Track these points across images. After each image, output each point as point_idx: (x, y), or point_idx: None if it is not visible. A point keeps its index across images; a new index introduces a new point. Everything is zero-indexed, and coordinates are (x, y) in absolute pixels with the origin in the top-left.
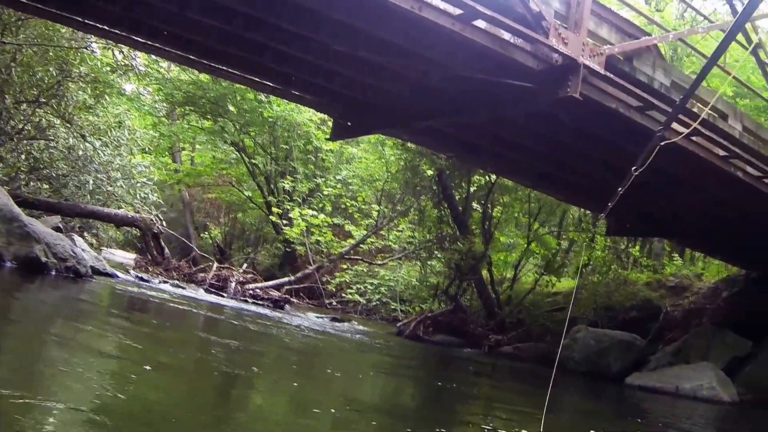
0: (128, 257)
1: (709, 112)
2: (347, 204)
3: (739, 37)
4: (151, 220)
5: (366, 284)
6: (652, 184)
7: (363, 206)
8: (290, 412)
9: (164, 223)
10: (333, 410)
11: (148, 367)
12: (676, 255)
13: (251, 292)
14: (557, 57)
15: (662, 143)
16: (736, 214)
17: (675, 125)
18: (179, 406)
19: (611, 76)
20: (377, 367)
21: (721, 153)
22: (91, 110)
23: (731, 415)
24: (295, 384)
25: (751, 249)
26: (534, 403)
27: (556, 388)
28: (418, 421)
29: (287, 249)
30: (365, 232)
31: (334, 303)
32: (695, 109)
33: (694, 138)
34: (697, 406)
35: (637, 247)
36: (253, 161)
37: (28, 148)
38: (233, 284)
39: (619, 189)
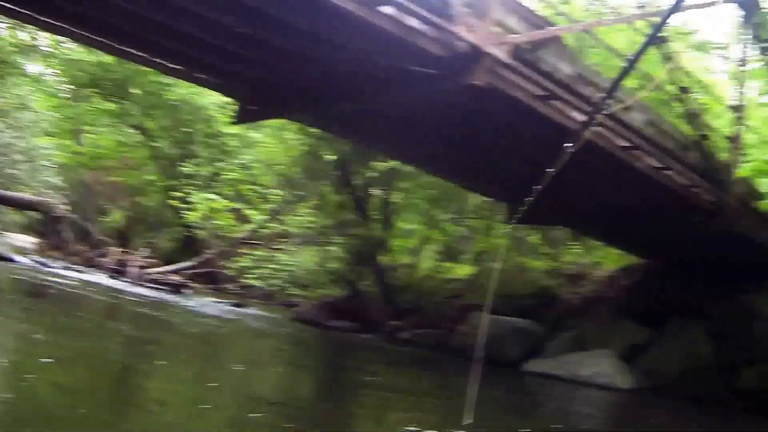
0: (29, 241)
1: (614, 103)
2: (248, 189)
3: (645, 29)
4: (53, 203)
5: (265, 269)
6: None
7: (263, 191)
8: (188, 406)
9: (66, 206)
10: (230, 406)
11: (44, 360)
12: (575, 243)
13: (151, 276)
14: (463, 45)
15: (573, 146)
16: (636, 205)
17: (577, 115)
18: (74, 405)
19: (516, 65)
20: (276, 355)
21: (624, 144)
22: None
23: (628, 401)
24: (194, 376)
25: (650, 239)
26: (433, 392)
27: (454, 376)
28: (318, 416)
29: (188, 233)
30: (265, 217)
31: (234, 288)
32: (598, 100)
33: (596, 128)
34: (595, 393)
35: (537, 235)
36: (156, 144)
37: None
38: (134, 269)
39: (536, 186)
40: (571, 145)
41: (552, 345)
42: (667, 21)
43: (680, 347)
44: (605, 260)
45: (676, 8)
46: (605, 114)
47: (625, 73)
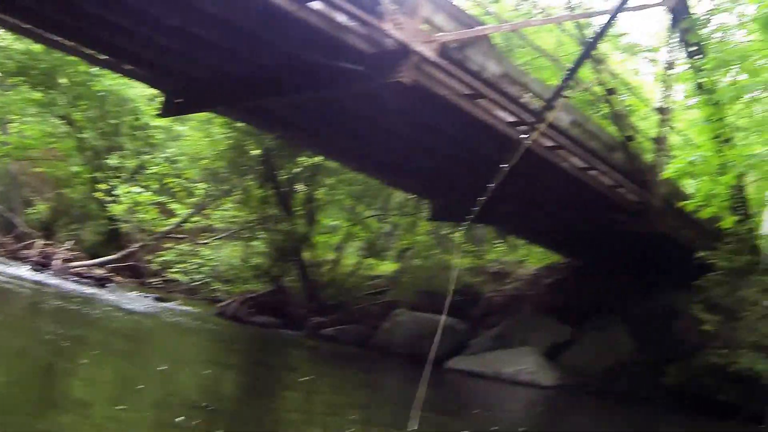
0: None
1: (541, 103)
2: (173, 182)
3: (573, 31)
4: None
5: (189, 263)
6: (477, 170)
7: (188, 185)
8: (109, 408)
9: None
10: (152, 408)
11: None
12: (499, 242)
13: (76, 270)
14: (390, 42)
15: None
16: (560, 204)
17: (503, 114)
18: None
19: (444, 63)
20: (199, 353)
21: (549, 143)
22: None
23: (551, 398)
24: (116, 375)
25: (574, 238)
26: (355, 391)
27: (380, 374)
28: (244, 420)
29: (112, 226)
30: (190, 211)
31: (158, 282)
32: (524, 100)
33: (521, 128)
34: (518, 390)
35: (461, 233)
36: (82, 136)
37: None
38: (57, 262)
39: (489, 186)
40: (525, 136)
41: (476, 342)
42: (606, 31)
43: (603, 345)
44: (529, 258)
45: (614, 17)
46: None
47: (565, 84)
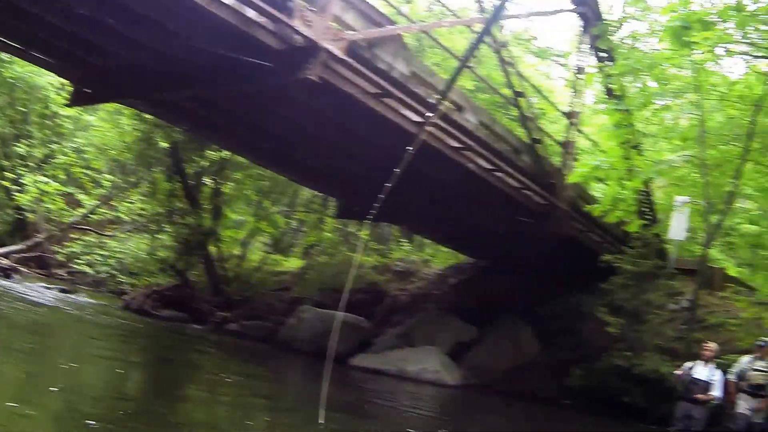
0: None
1: (447, 104)
2: (80, 173)
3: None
4: None
5: (95, 255)
6: (385, 169)
7: (96, 176)
8: (9, 406)
9: None
10: (55, 405)
11: None
12: (405, 240)
13: None
14: (299, 39)
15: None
16: (466, 205)
17: (410, 114)
18: None
19: (351, 61)
20: (104, 348)
21: (455, 144)
22: None
23: (454, 397)
24: (19, 372)
25: (479, 239)
26: (261, 388)
27: (282, 368)
28: (147, 417)
29: (18, 216)
30: (96, 202)
31: (64, 273)
32: (431, 100)
33: (428, 128)
34: (422, 389)
35: (367, 231)
36: None
37: None
38: None
39: (380, 196)
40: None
41: (380, 340)
42: (497, 22)
43: (508, 345)
44: (435, 258)
45: (501, 8)
46: (438, 115)
47: (457, 73)
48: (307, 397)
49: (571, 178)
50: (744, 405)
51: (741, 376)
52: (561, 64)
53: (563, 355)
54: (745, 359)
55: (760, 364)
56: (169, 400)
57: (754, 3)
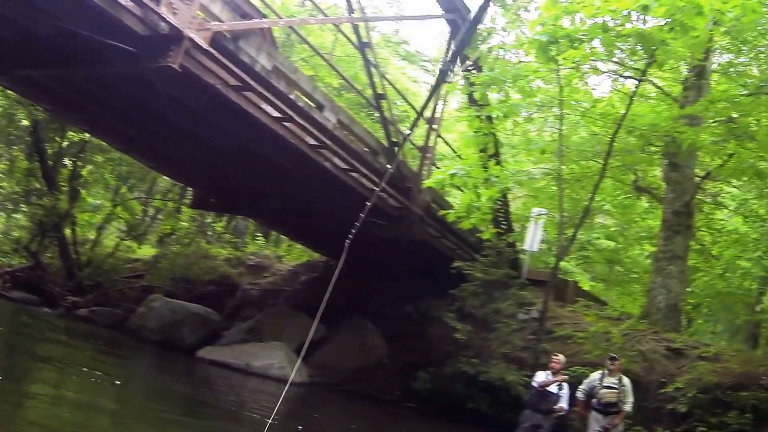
0: None
1: (307, 101)
2: None
3: (351, 34)
4: None
5: None
6: (242, 162)
7: None
8: None
9: None
10: None
11: None
12: (260, 235)
13: None
14: (164, 26)
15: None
16: (321, 203)
17: (269, 108)
18: None
19: (214, 52)
20: None
21: (312, 142)
22: None
23: (300, 395)
24: None
25: (331, 238)
26: (107, 376)
27: (129, 358)
28: None
29: None
30: None
31: None
32: (293, 96)
33: (287, 124)
34: (268, 385)
35: (222, 223)
36: None
37: None
38: None
39: (350, 235)
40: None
41: (229, 333)
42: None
43: (356, 345)
44: (288, 254)
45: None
46: (296, 110)
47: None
48: (154, 388)
49: (428, 183)
50: (595, 425)
51: (590, 394)
52: (427, 70)
53: (410, 358)
54: (595, 376)
55: (610, 381)
56: (13, 387)
57: (621, 25)
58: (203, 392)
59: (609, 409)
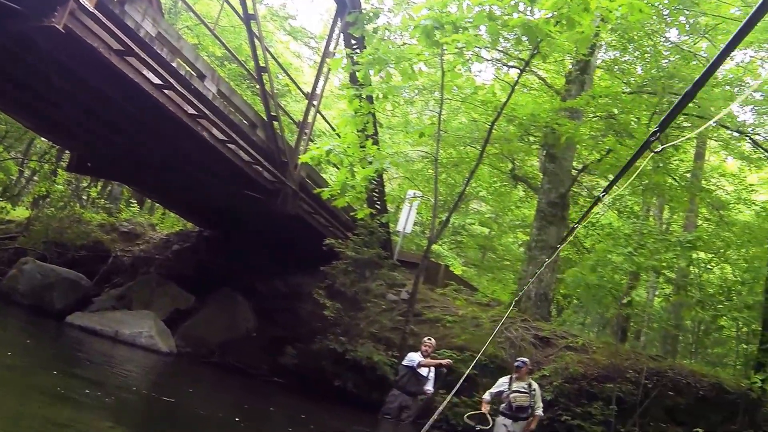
0: None
1: (189, 70)
2: None
3: (237, 5)
4: None
5: None
6: (121, 128)
7: None
8: None
9: None
10: None
11: None
12: (134, 202)
13: None
14: None
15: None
16: (197, 174)
17: (148, 74)
18: None
19: (99, 15)
20: None
21: (192, 111)
22: None
23: (167, 364)
24: None
25: (208, 209)
26: None
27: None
28: None
29: None
30: None
31: None
32: (174, 64)
33: (167, 92)
34: (136, 353)
35: (98, 188)
36: None
37: None
38: None
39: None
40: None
41: (99, 300)
42: None
43: (225, 317)
44: (162, 223)
45: None
46: (176, 78)
47: None
48: (18, 357)
49: (304, 158)
50: (503, 430)
51: (497, 398)
52: (311, 47)
53: (279, 333)
54: (503, 380)
55: (519, 385)
56: None
57: (508, 14)
58: (68, 358)
59: (519, 414)
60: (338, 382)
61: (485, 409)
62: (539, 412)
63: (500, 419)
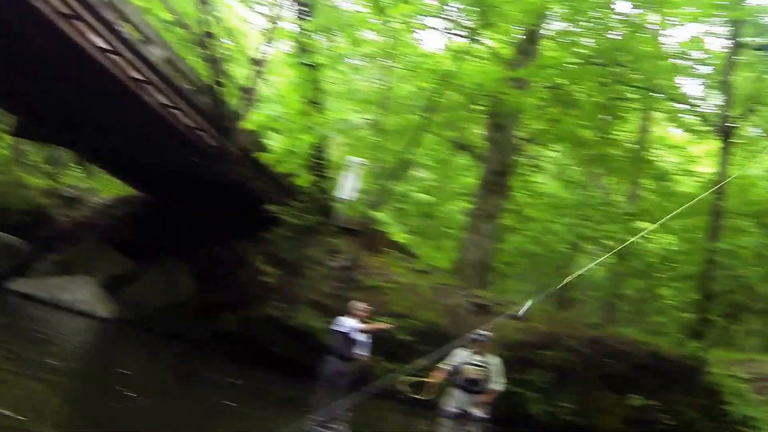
0: None
1: (135, 33)
2: None
3: None
4: None
5: None
6: (66, 92)
7: None
8: None
9: None
10: None
11: None
12: (77, 166)
13: None
14: None
15: None
16: (139, 138)
17: (93, 37)
18: None
19: None
20: None
21: (137, 76)
22: None
23: (106, 330)
24: None
25: (149, 174)
26: None
27: None
28: None
29: None
30: None
31: None
32: (120, 28)
33: (112, 56)
34: (75, 319)
35: (40, 153)
36: None
37: None
38: None
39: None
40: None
41: (39, 266)
42: None
43: (164, 283)
44: (105, 188)
45: None
46: (123, 42)
47: None
48: None
49: (247, 124)
50: (453, 402)
51: (456, 370)
52: (260, 13)
53: (219, 299)
54: (463, 353)
55: (477, 359)
56: None
57: None
58: (5, 323)
59: (471, 386)
60: (277, 349)
61: (438, 379)
62: (496, 386)
63: (453, 390)
